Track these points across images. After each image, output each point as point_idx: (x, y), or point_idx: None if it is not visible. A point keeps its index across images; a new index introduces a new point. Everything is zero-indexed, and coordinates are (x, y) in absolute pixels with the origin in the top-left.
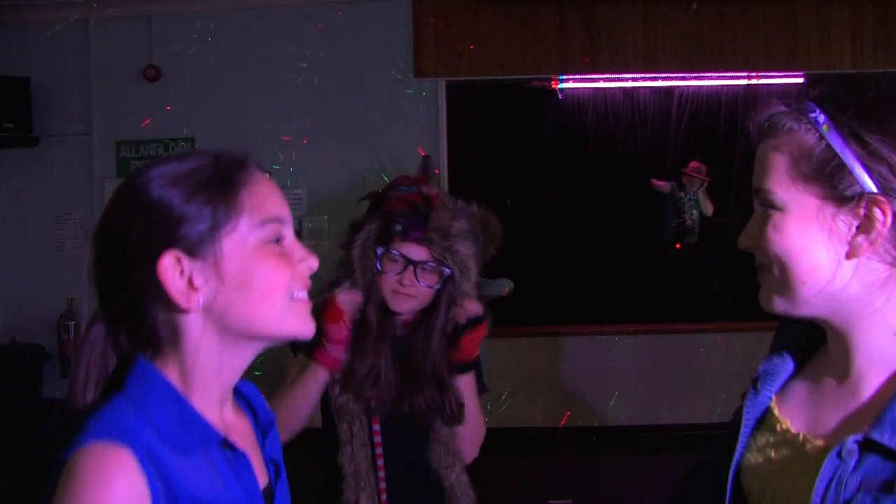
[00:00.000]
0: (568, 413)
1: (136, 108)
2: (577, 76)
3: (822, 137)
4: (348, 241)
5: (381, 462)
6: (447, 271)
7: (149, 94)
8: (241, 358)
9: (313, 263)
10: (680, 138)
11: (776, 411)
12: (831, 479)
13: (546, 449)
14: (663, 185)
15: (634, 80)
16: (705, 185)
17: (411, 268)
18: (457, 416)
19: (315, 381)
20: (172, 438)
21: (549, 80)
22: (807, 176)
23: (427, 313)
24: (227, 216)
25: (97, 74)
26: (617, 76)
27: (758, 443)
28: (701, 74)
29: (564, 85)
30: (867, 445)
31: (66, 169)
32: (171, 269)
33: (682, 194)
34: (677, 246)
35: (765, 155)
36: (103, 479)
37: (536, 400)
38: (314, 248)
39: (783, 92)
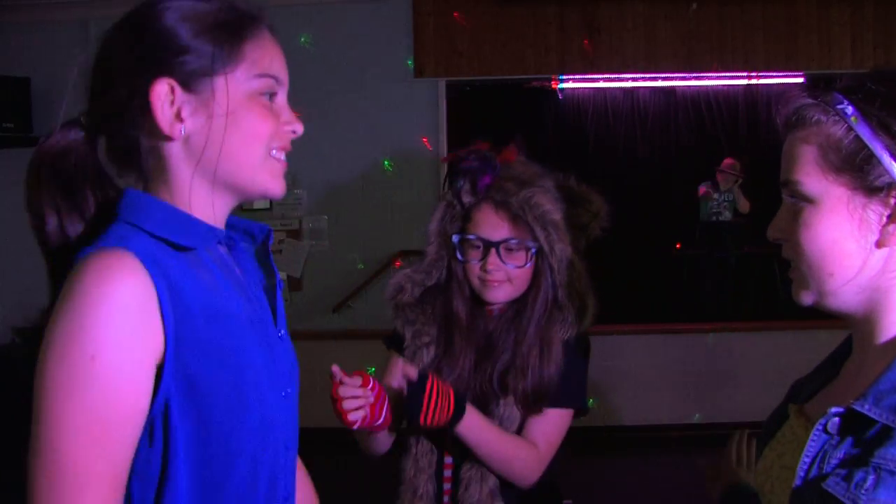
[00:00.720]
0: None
1: None
2: (577, 76)
3: (850, 129)
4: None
5: (447, 473)
6: (534, 247)
7: None
8: (219, 202)
9: (298, 128)
10: (680, 138)
11: (792, 413)
12: (817, 454)
13: None
14: (708, 192)
15: (634, 80)
16: (740, 181)
17: (493, 250)
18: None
19: (372, 440)
20: (173, 237)
21: (549, 80)
22: (836, 167)
23: (522, 299)
24: (228, 59)
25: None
26: (617, 76)
27: (771, 446)
28: (701, 74)
29: (564, 85)
30: (850, 418)
31: None
32: (164, 96)
33: (715, 195)
34: (677, 246)
35: (793, 147)
36: (109, 277)
37: None
38: (314, 248)
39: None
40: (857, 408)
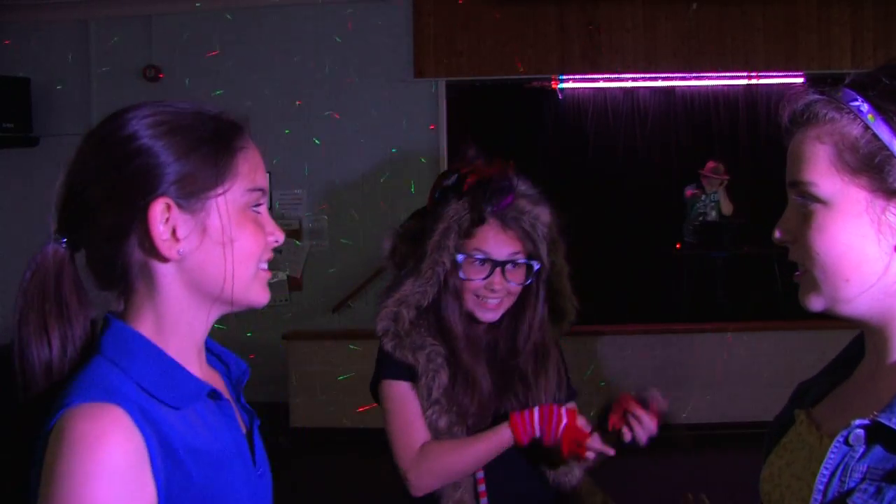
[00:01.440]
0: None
1: None
2: (577, 76)
3: (867, 128)
4: (415, 232)
5: (482, 488)
6: (536, 265)
7: (149, 95)
8: (208, 316)
9: (280, 237)
10: (680, 138)
11: (798, 418)
12: (837, 467)
13: None
14: (696, 193)
15: (634, 80)
16: (725, 183)
17: (498, 269)
18: None
19: (500, 447)
20: (161, 395)
21: (549, 80)
22: (853, 168)
23: (514, 311)
24: (225, 176)
25: (97, 74)
26: (617, 76)
27: (777, 452)
28: (701, 74)
29: (564, 85)
30: (875, 431)
31: None
32: (160, 215)
33: (701, 196)
34: (677, 246)
35: (803, 145)
36: (99, 437)
37: None
38: (314, 248)
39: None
40: (885, 421)
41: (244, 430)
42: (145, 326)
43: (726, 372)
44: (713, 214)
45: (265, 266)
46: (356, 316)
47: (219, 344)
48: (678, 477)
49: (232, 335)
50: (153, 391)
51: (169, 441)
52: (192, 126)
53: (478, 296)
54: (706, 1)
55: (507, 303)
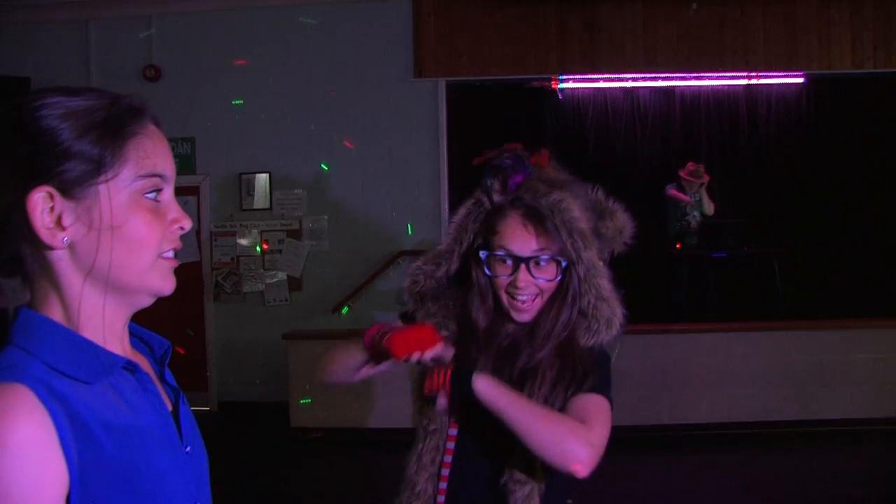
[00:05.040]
0: None
1: None
2: (577, 76)
3: None
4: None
5: (445, 472)
6: (564, 262)
7: (149, 94)
8: (116, 304)
9: (185, 224)
10: (680, 138)
11: None
12: None
13: None
14: (678, 194)
15: (634, 80)
16: (705, 184)
17: (523, 266)
18: None
19: (357, 350)
20: (70, 371)
21: (549, 80)
22: None
23: (545, 307)
24: (111, 163)
25: (97, 74)
26: (617, 76)
27: None
28: (701, 74)
29: (564, 85)
30: None
31: None
32: (41, 204)
33: (683, 202)
34: (677, 246)
35: None
36: (5, 422)
37: None
38: (314, 248)
39: (783, 92)
40: None
41: (169, 408)
42: (55, 313)
43: (726, 372)
44: (696, 215)
45: (169, 254)
46: (356, 316)
47: (139, 326)
48: (678, 476)
49: (234, 334)
50: (61, 367)
51: (80, 416)
52: (84, 112)
53: (508, 294)
54: (706, 1)
55: (540, 301)
